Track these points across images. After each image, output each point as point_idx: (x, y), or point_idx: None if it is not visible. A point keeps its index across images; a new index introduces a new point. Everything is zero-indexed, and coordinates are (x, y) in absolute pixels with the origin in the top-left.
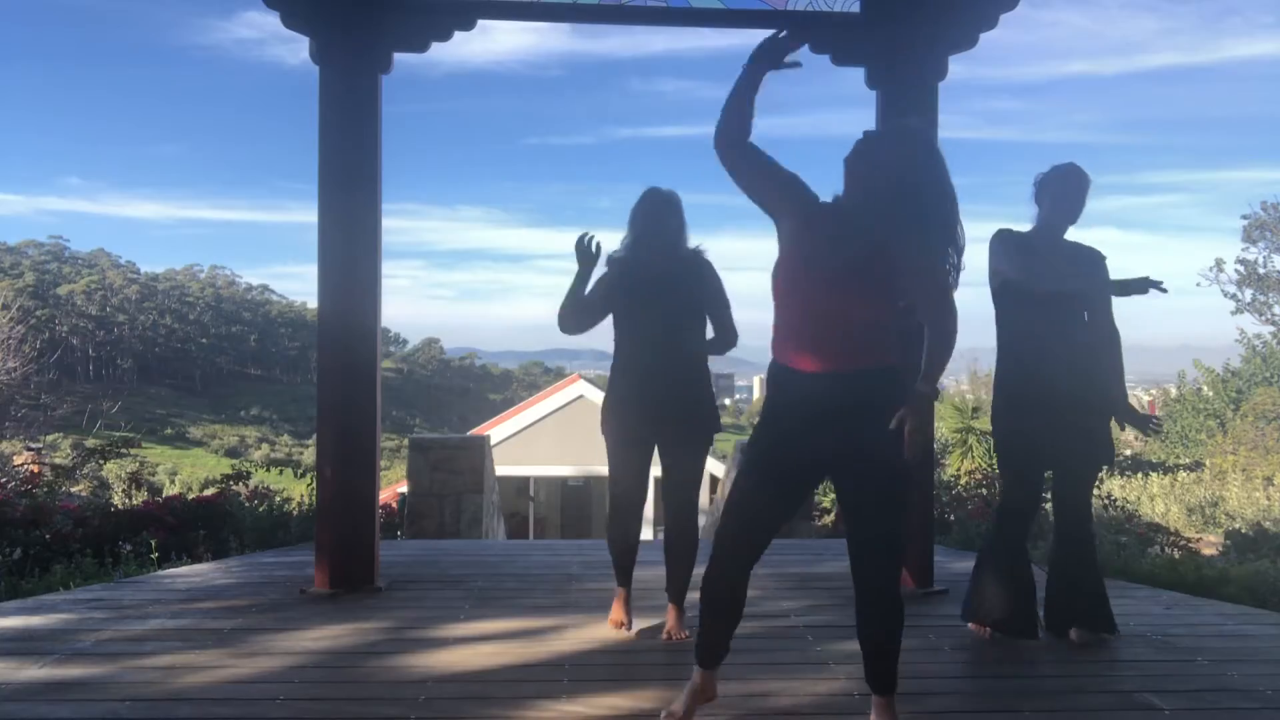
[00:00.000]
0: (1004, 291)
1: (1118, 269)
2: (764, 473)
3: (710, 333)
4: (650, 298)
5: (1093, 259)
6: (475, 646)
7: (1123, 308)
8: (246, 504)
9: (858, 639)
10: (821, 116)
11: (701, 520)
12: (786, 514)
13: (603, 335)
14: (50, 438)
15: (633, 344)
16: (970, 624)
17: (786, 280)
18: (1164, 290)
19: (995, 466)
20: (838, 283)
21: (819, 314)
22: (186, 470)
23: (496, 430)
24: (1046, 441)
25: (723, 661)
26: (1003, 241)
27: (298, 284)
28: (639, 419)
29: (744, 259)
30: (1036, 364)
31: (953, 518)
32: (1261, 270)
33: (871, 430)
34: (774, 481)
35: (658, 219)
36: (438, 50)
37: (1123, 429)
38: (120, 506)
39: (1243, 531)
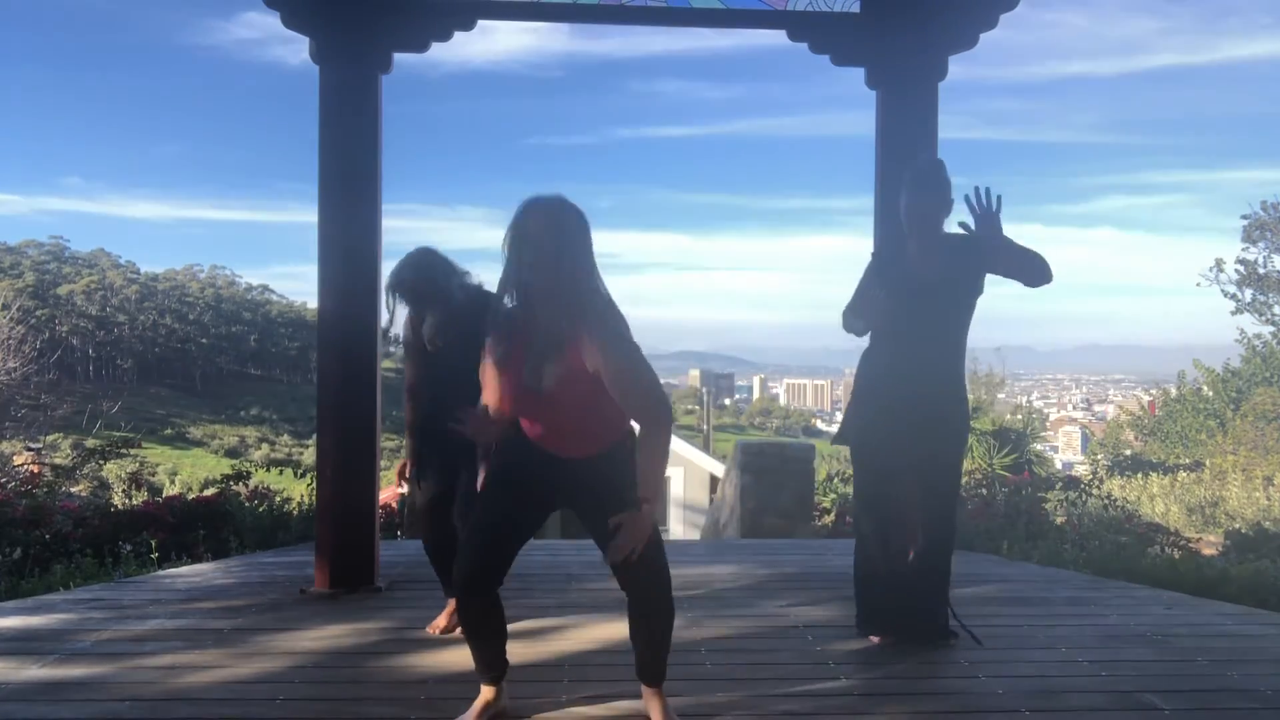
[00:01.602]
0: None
1: (1116, 269)
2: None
3: None
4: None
5: (967, 244)
6: None
7: (1123, 312)
8: (246, 504)
9: (631, 635)
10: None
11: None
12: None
13: None
14: (50, 438)
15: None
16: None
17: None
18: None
19: (990, 466)
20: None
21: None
22: (186, 470)
23: None
24: (891, 437)
25: (506, 675)
26: (865, 275)
27: (298, 284)
28: None
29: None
30: (890, 362)
31: None
32: (1261, 270)
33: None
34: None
35: None
36: (438, 50)
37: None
38: (120, 506)
39: (1243, 531)
